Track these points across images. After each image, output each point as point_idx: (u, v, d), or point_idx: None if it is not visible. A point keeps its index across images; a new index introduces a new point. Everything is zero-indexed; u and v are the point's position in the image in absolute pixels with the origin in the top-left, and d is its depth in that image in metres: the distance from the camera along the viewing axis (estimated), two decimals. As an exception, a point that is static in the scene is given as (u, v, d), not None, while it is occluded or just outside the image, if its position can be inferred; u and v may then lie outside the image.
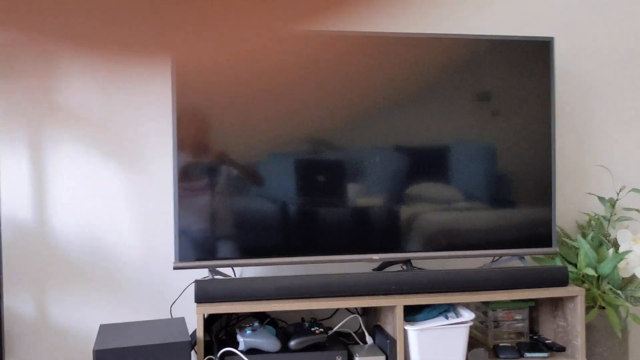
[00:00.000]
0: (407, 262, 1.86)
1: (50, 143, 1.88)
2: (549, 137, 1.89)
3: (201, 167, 1.71)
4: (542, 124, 1.89)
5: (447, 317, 1.71)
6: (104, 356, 1.45)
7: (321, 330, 1.68)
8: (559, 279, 1.78)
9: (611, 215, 2.06)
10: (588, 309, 1.87)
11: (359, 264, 1.98)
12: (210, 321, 1.80)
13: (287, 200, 1.74)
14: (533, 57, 1.88)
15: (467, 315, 1.70)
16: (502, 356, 1.74)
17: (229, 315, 1.86)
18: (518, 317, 1.88)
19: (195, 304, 1.62)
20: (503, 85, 1.86)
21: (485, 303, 1.87)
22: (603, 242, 1.97)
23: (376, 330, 1.80)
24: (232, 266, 1.78)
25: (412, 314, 1.73)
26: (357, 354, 1.67)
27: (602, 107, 2.21)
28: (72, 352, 1.89)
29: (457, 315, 1.72)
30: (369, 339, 1.81)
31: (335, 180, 1.77)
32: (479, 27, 2.12)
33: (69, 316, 1.89)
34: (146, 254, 1.93)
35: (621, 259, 1.87)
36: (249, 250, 1.73)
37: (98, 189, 1.90)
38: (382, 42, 1.77)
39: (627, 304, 1.85)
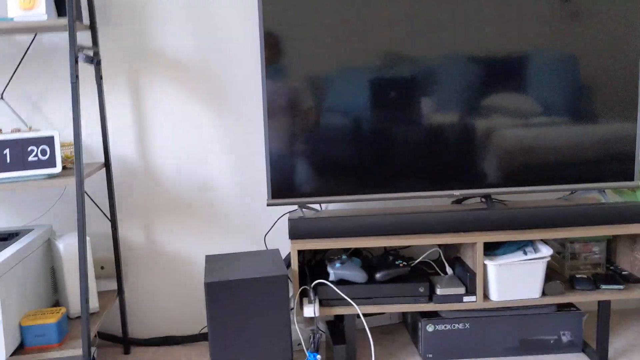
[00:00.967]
0: (487, 196, 1.92)
1: (149, 86, 2.02)
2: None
3: (288, 95, 1.80)
4: (629, 27, 1.81)
5: (525, 253, 1.79)
6: (214, 288, 1.65)
7: (404, 263, 1.81)
8: (639, 215, 1.80)
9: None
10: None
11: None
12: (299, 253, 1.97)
13: (371, 136, 1.82)
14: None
15: (545, 251, 1.78)
16: (578, 287, 1.82)
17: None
18: (595, 249, 1.93)
19: (290, 240, 1.78)
20: None
21: (563, 236, 1.93)
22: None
23: (456, 262, 1.91)
24: (319, 202, 1.91)
25: (492, 249, 1.82)
26: (438, 285, 1.80)
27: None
28: (179, 276, 2.13)
29: (536, 250, 1.80)
30: (448, 270, 1.94)
31: (417, 106, 1.82)
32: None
33: (175, 245, 2.11)
34: (240, 190, 2.10)
35: None
36: (333, 187, 1.84)
37: (194, 130, 2.05)
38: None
39: None
